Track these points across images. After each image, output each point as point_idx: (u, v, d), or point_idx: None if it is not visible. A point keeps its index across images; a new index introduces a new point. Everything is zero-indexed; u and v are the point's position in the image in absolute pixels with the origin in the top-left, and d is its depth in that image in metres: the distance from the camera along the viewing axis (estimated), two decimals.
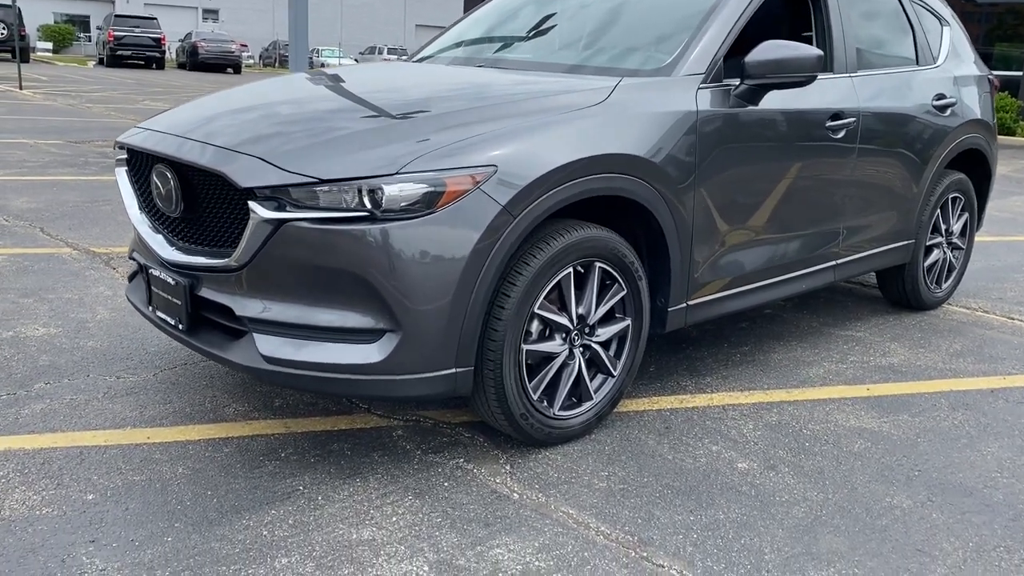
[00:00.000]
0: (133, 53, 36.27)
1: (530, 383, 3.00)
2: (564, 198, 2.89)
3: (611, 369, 3.25)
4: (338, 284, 2.67)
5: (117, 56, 35.98)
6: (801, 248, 4.02)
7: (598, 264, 3.11)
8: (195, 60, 38.06)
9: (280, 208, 2.67)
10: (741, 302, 3.78)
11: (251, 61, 52.14)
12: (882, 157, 4.37)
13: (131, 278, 3.55)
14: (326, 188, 2.63)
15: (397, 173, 2.63)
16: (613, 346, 3.30)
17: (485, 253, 2.71)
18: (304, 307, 2.72)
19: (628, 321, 3.27)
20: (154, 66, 36.90)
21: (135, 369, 3.75)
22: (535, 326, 3.01)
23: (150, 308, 3.22)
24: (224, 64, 38.09)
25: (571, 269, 3.01)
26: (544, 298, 2.95)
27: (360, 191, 2.62)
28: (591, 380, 3.23)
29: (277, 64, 50.89)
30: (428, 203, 2.64)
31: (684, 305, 3.48)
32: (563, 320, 3.04)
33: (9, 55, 32.42)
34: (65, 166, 9.13)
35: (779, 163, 3.77)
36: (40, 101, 16.98)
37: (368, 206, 2.62)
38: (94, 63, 39.13)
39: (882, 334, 4.65)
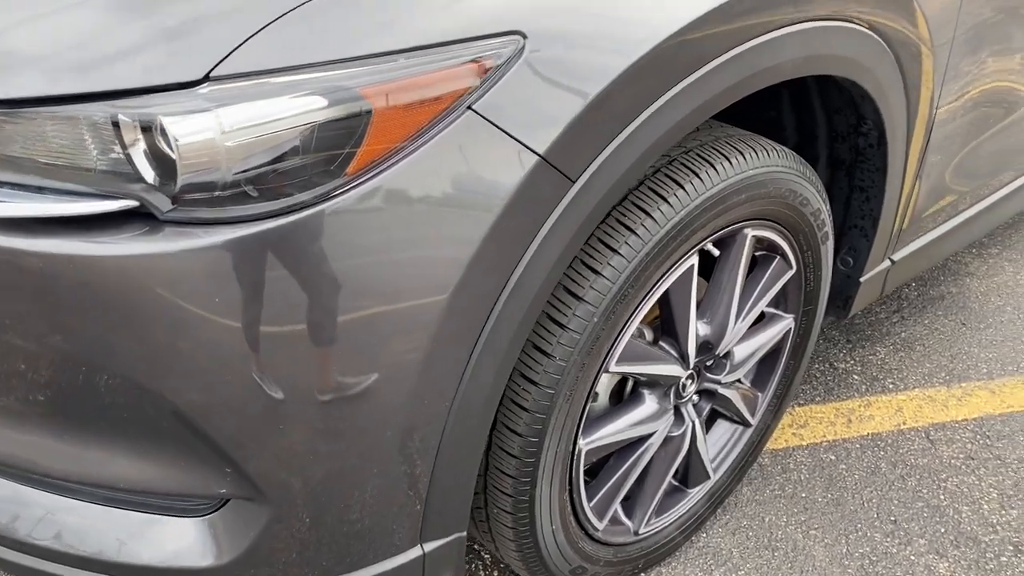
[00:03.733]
0: None
1: (591, 503, 1.38)
2: (702, 103, 1.09)
3: (747, 416, 1.62)
4: (74, 378, 0.97)
5: None
6: None
7: (751, 233, 1.37)
8: None
9: None
10: (971, 231, 2.04)
11: None
12: None
13: None
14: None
15: (207, 79, 0.83)
16: (752, 372, 1.65)
17: (491, 291, 0.99)
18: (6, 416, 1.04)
19: (789, 320, 1.59)
20: None
21: None
22: (603, 384, 1.35)
23: None
24: None
25: (695, 258, 1.29)
26: (631, 336, 1.26)
27: (99, 135, 0.85)
28: (707, 438, 1.61)
29: None
30: (321, 164, 0.87)
31: (886, 265, 1.76)
32: (666, 368, 1.36)
33: None
34: None
35: None
36: None
37: (135, 183, 0.86)
38: None
39: None
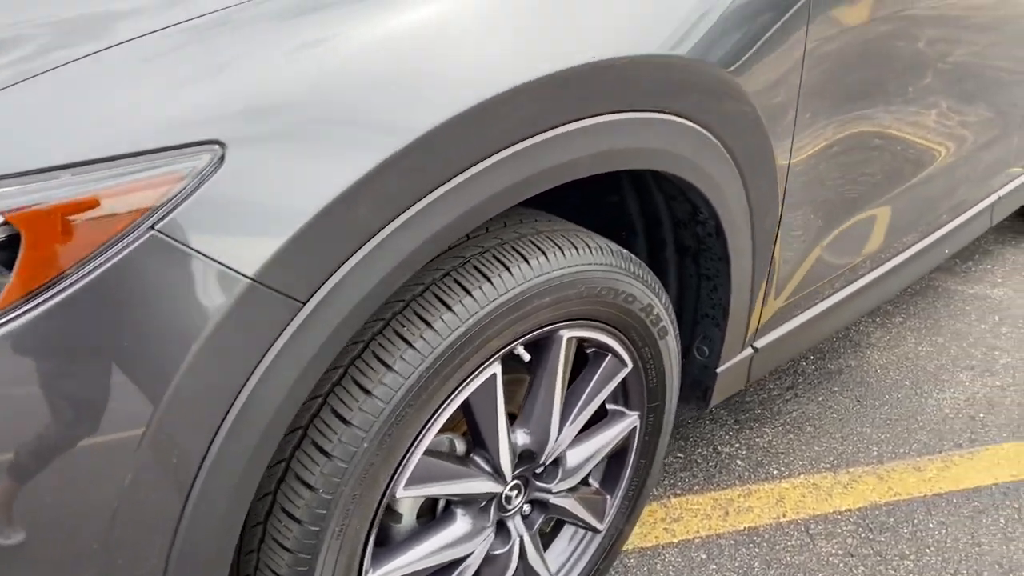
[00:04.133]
0: None
1: None
2: (473, 207, 0.99)
3: (592, 522, 1.49)
4: None
5: None
6: (960, 179, 2.13)
7: (568, 334, 1.26)
8: None
9: None
10: (864, 303, 1.96)
11: None
12: None
13: None
14: None
15: None
16: (599, 473, 1.53)
17: (204, 427, 0.86)
18: None
19: (635, 417, 1.47)
20: None
21: None
22: (408, 504, 1.22)
23: None
24: None
25: (497, 367, 1.17)
26: (424, 453, 1.13)
27: None
28: (552, 546, 1.49)
29: None
30: None
31: (748, 353, 1.67)
32: (476, 485, 1.24)
33: None
34: None
35: (935, 26, 1.83)
36: None
37: None
38: None
39: None
